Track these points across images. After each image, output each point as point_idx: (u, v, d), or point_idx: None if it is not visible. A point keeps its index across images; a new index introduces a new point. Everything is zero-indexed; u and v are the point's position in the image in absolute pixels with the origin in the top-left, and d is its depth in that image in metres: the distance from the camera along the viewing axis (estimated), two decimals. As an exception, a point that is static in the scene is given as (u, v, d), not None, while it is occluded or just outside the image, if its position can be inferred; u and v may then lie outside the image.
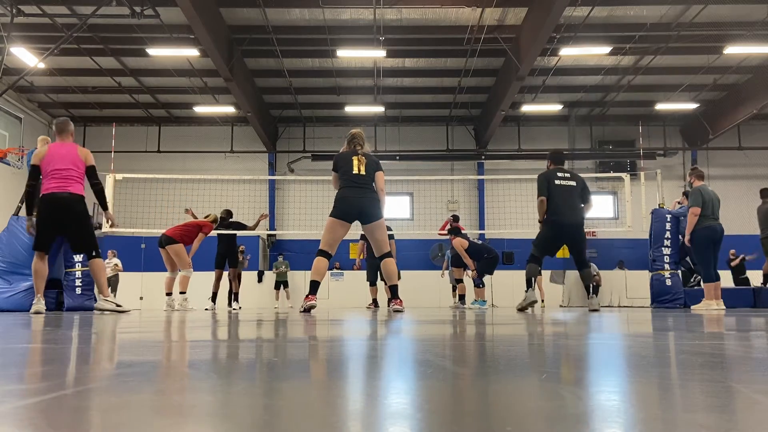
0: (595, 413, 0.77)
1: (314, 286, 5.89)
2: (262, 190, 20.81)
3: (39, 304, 6.30)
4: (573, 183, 7.13)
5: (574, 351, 1.76)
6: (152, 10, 13.31)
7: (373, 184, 6.06)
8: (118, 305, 6.70)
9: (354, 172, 5.99)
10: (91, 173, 6.48)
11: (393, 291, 6.18)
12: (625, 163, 20.82)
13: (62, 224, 6.32)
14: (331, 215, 5.98)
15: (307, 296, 5.86)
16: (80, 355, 1.68)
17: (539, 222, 7.23)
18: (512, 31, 15.19)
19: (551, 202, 7.03)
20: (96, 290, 6.62)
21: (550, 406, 0.81)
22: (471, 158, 21.54)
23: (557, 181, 7.08)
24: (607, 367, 1.34)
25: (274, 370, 1.24)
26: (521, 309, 7.12)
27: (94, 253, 6.47)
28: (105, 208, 6.73)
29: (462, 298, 11.95)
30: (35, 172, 6.32)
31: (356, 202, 5.91)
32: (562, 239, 7.15)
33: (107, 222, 6.99)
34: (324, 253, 5.94)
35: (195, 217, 10.81)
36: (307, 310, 5.80)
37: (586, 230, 7.37)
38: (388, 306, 10.40)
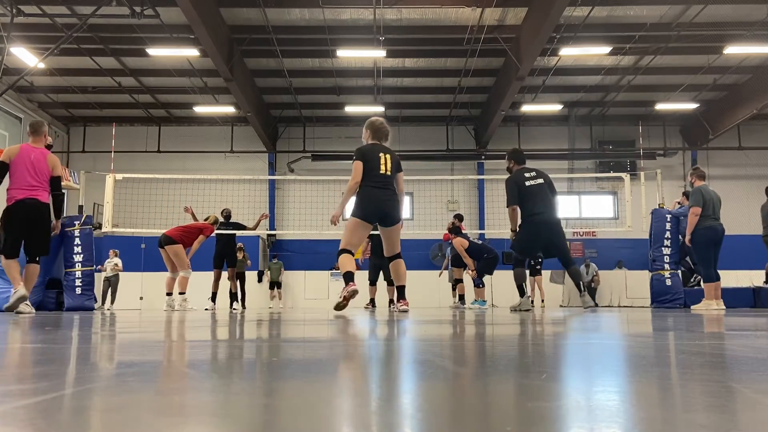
0: (595, 413, 0.77)
1: (348, 276, 5.57)
2: (262, 190, 20.81)
3: (21, 290, 6.21)
4: (541, 180, 7.08)
5: (573, 351, 1.76)
6: (152, 10, 13.31)
7: (395, 184, 5.89)
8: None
9: (381, 172, 5.74)
10: (55, 184, 6.56)
11: (400, 291, 6.07)
12: (625, 163, 20.82)
13: (27, 227, 6.40)
14: (354, 215, 5.72)
15: (349, 284, 5.54)
16: (80, 355, 1.68)
17: (512, 231, 7.13)
18: (512, 31, 15.19)
19: (525, 204, 6.97)
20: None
21: (550, 406, 0.81)
22: (471, 158, 21.54)
23: (528, 183, 7.02)
24: (607, 367, 1.34)
25: (273, 370, 1.24)
26: (514, 310, 7.15)
27: (37, 259, 6.58)
28: (57, 217, 6.80)
29: (462, 297, 11.94)
30: (2, 169, 6.33)
31: (382, 205, 5.71)
32: (541, 238, 7.07)
33: (52, 231, 6.98)
34: (347, 251, 5.70)
35: (195, 216, 10.82)
36: (350, 296, 5.51)
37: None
38: (389, 306, 10.40)
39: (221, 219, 11.44)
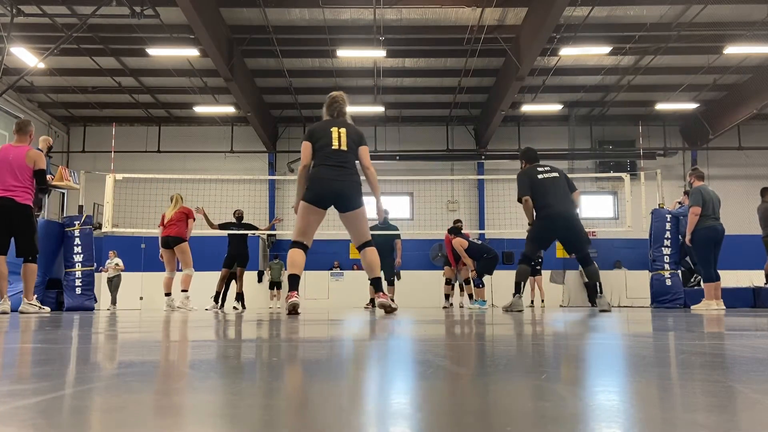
0: (595, 413, 0.77)
1: (293, 280, 5.05)
2: (262, 190, 20.81)
3: (5, 305, 6.37)
4: (556, 174, 6.83)
5: (573, 351, 1.76)
6: (152, 10, 13.30)
7: (356, 163, 5.14)
8: (41, 307, 7.01)
9: (333, 148, 5.03)
10: (38, 176, 6.55)
11: (375, 285, 5.24)
12: (625, 163, 20.81)
13: (9, 227, 6.45)
14: (303, 198, 5.06)
15: (288, 294, 5.07)
16: (80, 355, 1.68)
17: (530, 225, 6.90)
18: (512, 31, 15.18)
19: (539, 198, 6.72)
20: (23, 294, 6.76)
21: (550, 406, 0.81)
22: (471, 158, 21.54)
23: (540, 176, 6.78)
24: (606, 367, 1.34)
25: (274, 370, 1.24)
26: (506, 310, 6.87)
27: (30, 258, 6.60)
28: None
29: (470, 297, 11.92)
30: None
31: (332, 185, 5.00)
32: (556, 232, 6.83)
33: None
34: (298, 245, 5.10)
35: (207, 218, 10.79)
36: (291, 310, 4.94)
37: (586, 230, 7.18)
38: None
39: (233, 219, 11.51)
